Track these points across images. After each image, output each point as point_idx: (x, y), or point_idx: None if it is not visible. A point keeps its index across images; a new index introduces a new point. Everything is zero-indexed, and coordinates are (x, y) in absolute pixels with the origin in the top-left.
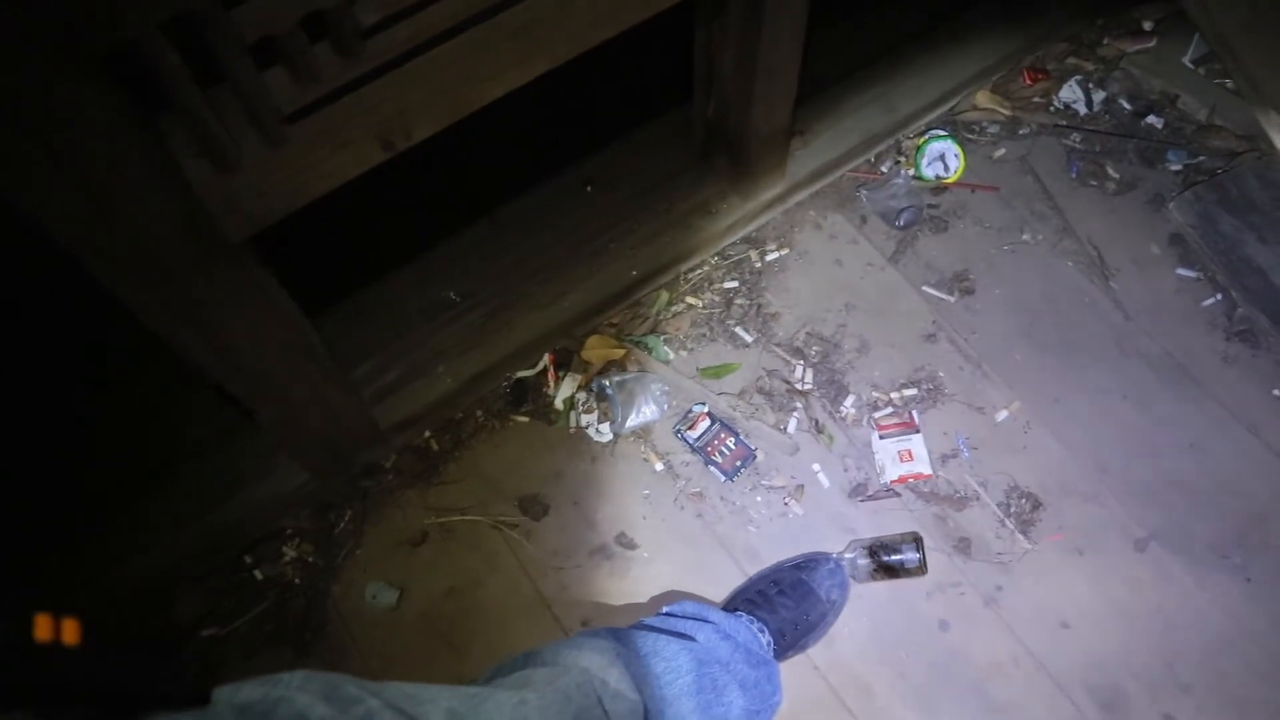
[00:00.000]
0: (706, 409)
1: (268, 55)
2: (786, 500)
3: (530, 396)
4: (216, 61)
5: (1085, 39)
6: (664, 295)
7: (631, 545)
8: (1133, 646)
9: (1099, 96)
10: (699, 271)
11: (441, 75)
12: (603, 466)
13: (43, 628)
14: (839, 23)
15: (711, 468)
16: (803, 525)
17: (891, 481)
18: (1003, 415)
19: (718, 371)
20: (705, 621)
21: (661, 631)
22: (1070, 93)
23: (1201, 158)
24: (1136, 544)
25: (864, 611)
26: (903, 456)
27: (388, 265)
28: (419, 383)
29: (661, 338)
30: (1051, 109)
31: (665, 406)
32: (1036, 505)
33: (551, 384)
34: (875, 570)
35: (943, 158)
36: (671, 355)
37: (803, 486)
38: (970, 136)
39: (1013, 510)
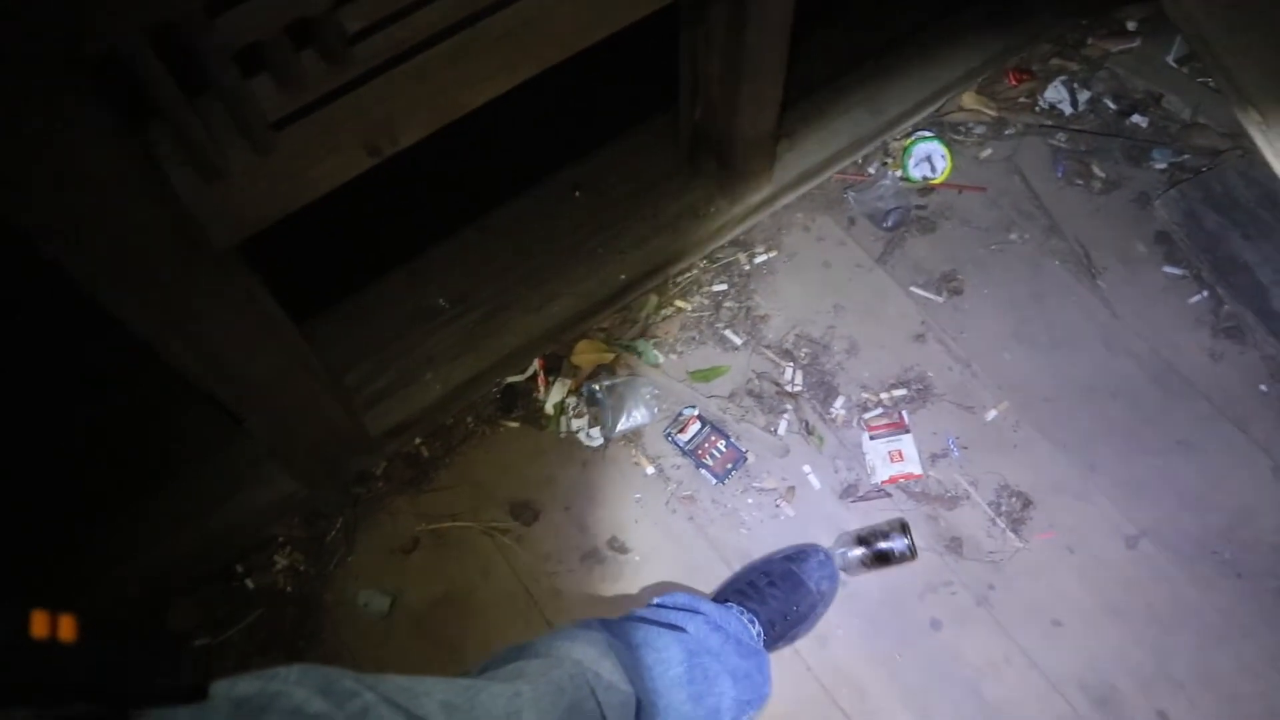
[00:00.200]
0: (697, 412)
1: (254, 62)
2: (778, 502)
3: (520, 402)
4: (202, 69)
5: (1069, 40)
6: (653, 299)
7: (623, 549)
8: (1125, 643)
9: (1084, 96)
10: (688, 275)
11: (427, 81)
12: (594, 471)
13: (39, 624)
14: (825, 26)
15: (702, 471)
16: (794, 527)
17: (882, 482)
18: (992, 414)
19: (707, 374)
20: (696, 613)
21: (653, 623)
22: (1055, 93)
23: (1186, 156)
24: (1127, 541)
25: (856, 612)
26: (893, 457)
27: (376, 271)
28: (409, 389)
29: (651, 341)
30: (1037, 109)
31: (655, 410)
32: (1027, 504)
33: (541, 389)
34: (868, 560)
35: (929, 159)
36: (661, 359)
37: (794, 488)
38: (957, 137)
39: (1003, 509)
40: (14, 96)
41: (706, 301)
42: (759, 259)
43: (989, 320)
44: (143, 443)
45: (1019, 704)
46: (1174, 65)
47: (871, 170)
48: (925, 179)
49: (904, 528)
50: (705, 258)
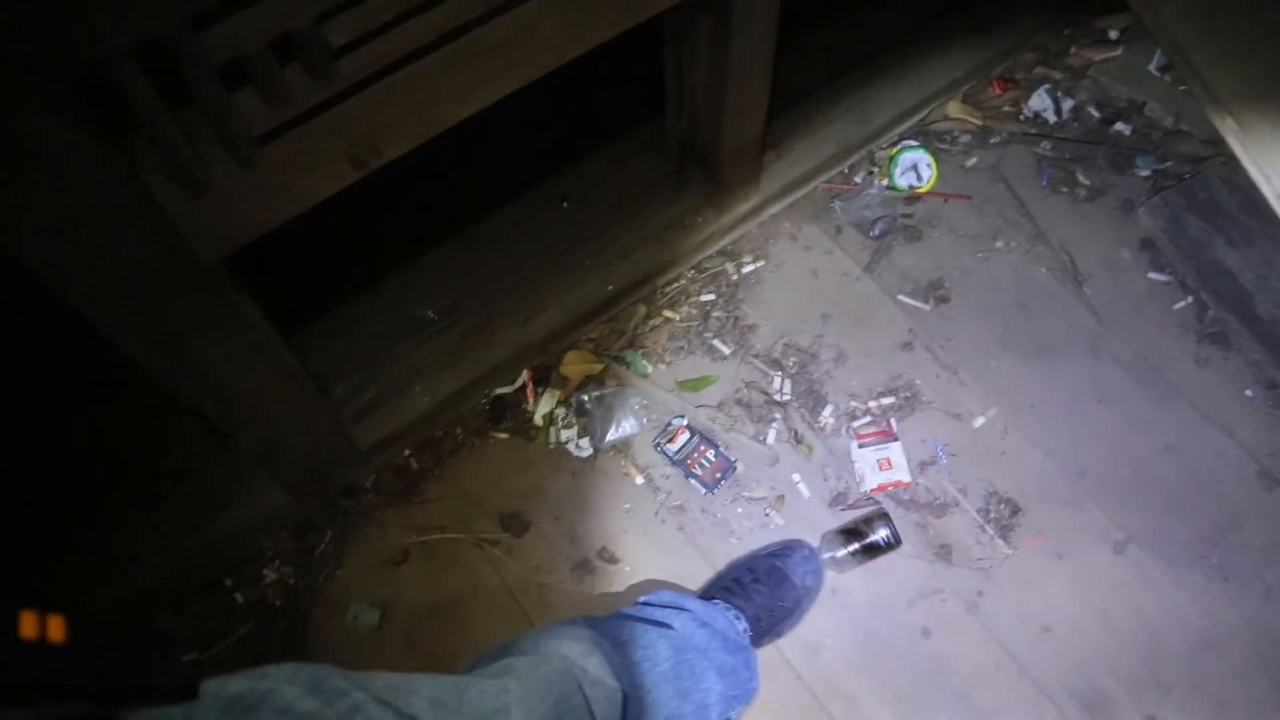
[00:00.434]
0: (686, 422)
1: (239, 76)
2: (767, 511)
3: (509, 413)
4: (187, 84)
5: (1053, 49)
6: (641, 309)
7: (613, 559)
8: (1114, 648)
9: (1068, 105)
10: (676, 285)
11: (411, 94)
12: (583, 481)
13: (28, 625)
14: (810, 36)
15: (692, 480)
16: (784, 535)
17: (871, 490)
18: (980, 421)
19: (696, 384)
20: (682, 610)
21: (639, 620)
22: (1040, 101)
23: (1169, 163)
24: (1115, 546)
25: (846, 620)
26: (882, 465)
27: (364, 283)
28: (397, 401)
29: (639, 352)
30: (1021, 118)
31: (644, 420)
32: (1016, 510)
33: (530, 400)
34: (858, 553)
35: (915, 167)
36: (650, 369)
37: (783, 497)
38: (942, 146)
39: (992, 516)
40: None
41: (695, 311)
42: (747, 269)
43: (976, 328)
44: (129, 457)
45: (1009, 710)
46: (1156, 73)
47: (858, 179)
48: (911, 188)
49: (884, 516)
50: (693, 268)
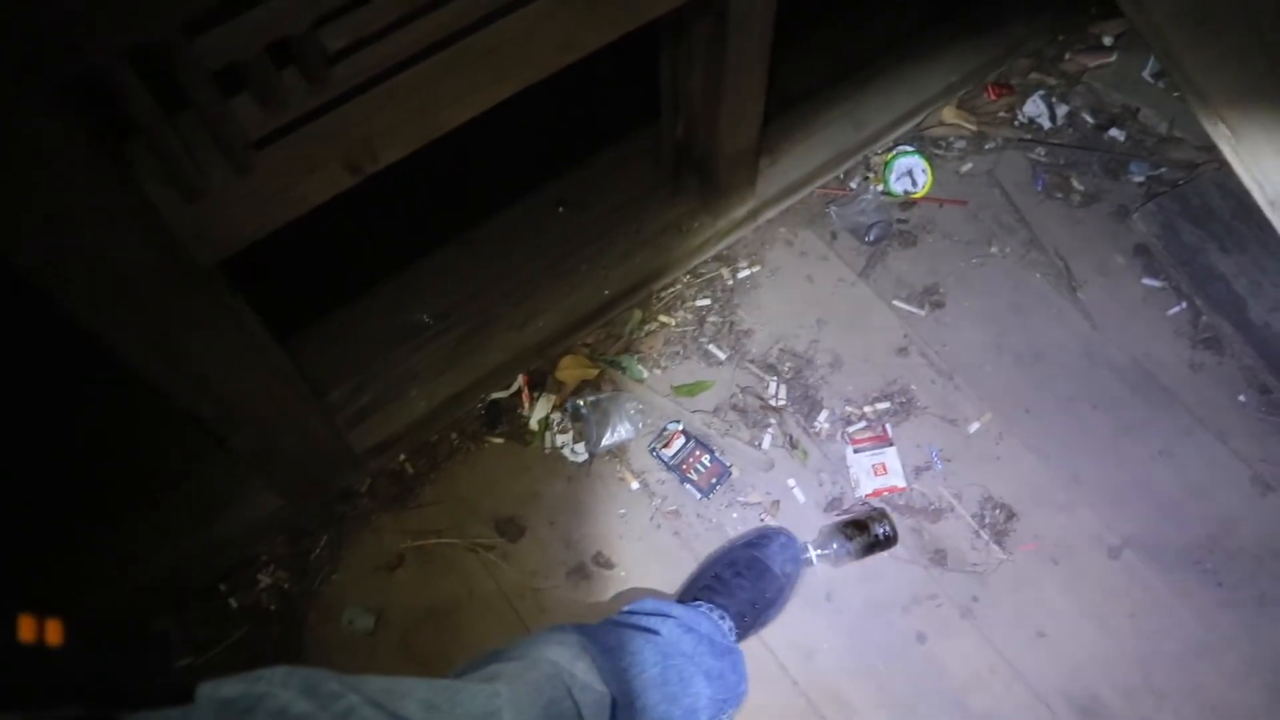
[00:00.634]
0: (681, 427)
1: (234, 81)
2: (762, 516)
3: (505, 418)
4: (182, 89)
5: (1047, 55)
6: (637, 314)
7: (609, 565)
8: (1109, 654)
9: (1062, 111)
10: (671, 290)
11: (408, 100)
12: (578, 486)
13: (26, 629)
14: (805, 42)
15: (687, 485)
16: None
17: (866, 495)
18: (975, 427)
19: (691, 389)
20: (667, 616)
21: (626, 626)
22: (1034, 107)
23: (1163, 169)
24: (1110, 551)
25: (841, 625)
26: (877, 470)
27: (360, 288)
28: (393, 406)
29: (635, 357)
30: (1016, 124)
31: (640, 425)
32: (1010, 515)
33: (526, 405)
34: (855, 547)
35: (910, 173)
36: (645, 374)
37: (778, 502)
38: (937, 152)
39: (987, 521)
40: None
41: (690, 316)
42: (742, 274)
43: (971, 333)
44: (125, 459)
45: (1004, 715)
46: (1150, 80)
47: (853, 185)
48: (906, 193)
49: (882, 513)
50: (689, 273)
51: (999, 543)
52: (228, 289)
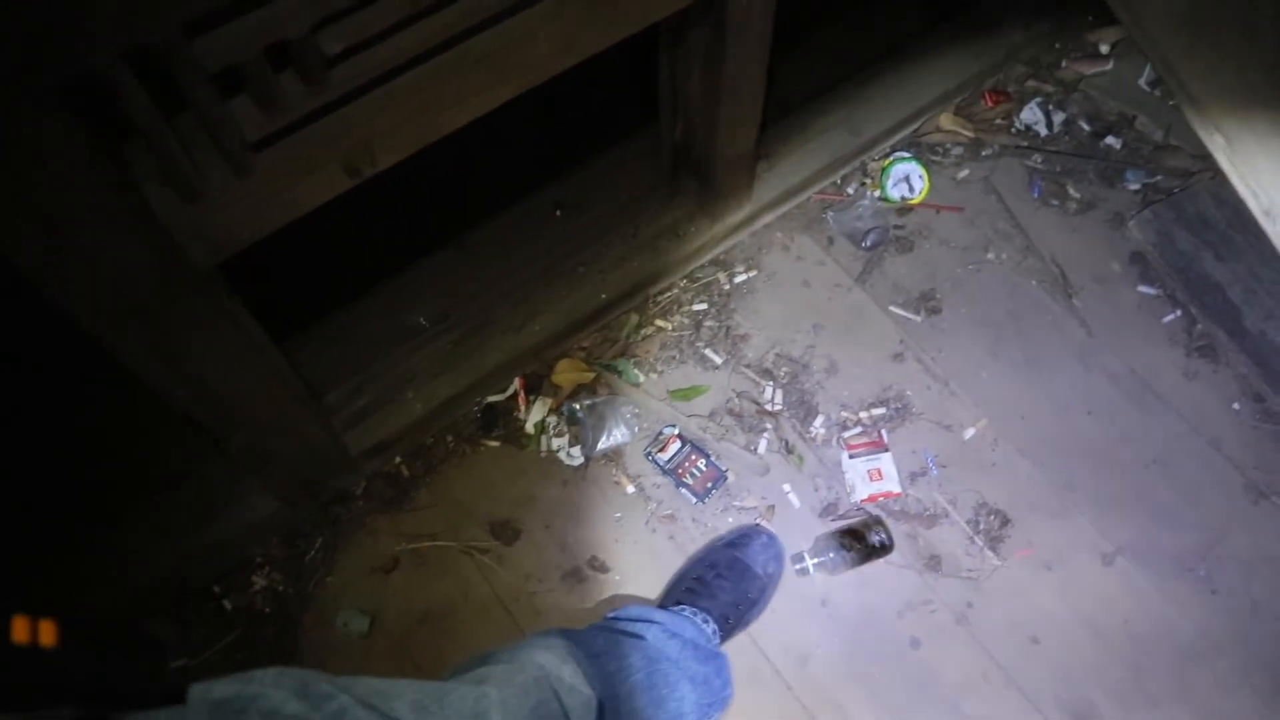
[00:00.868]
0: (677, 431)
1: (233, 83)
2: (758, 521)
3: (501, 421)
4: (181, 91)
5: (1044, 62)
6: (633, 318)
7: (604, 568)
8: (1102, 660)
9: (1059, 118)
10: (668, 294)
11: (406, 103)
12: (574, 490)
13: (20, 630)
14: (803, 47)
15: (683, 490)
16: None
17: (862, 500)
18: (970, 433)
19: (687, 394)
20: (652, 622)
21: (612, 631)
22: (1031, 114)
23: (1159, 177)
24: (1104, 558)
25: (836, 630)
26: (872, 475)
27: (357, 290)
28: (389, 408)
29: (631, 361)
30: (1013, 130)
31: (635, 429)
32: (1005, 521)
33: (522, 408)
34: (851, 556)
35: (907, 179)
36: (641, 378)
37: (774, 507)
38: (934, 158)
39: (982, 527)
40: None
41: (687, 321)
42: (739, 278)
43: (967, 339)
44: (120, 462)
45: None
46: (1146, 88)
47: (850, 190)
48: (903, 199)
49: (878, 521)
50: (685, 277)
51: (993, 549)
52: (226, 291)
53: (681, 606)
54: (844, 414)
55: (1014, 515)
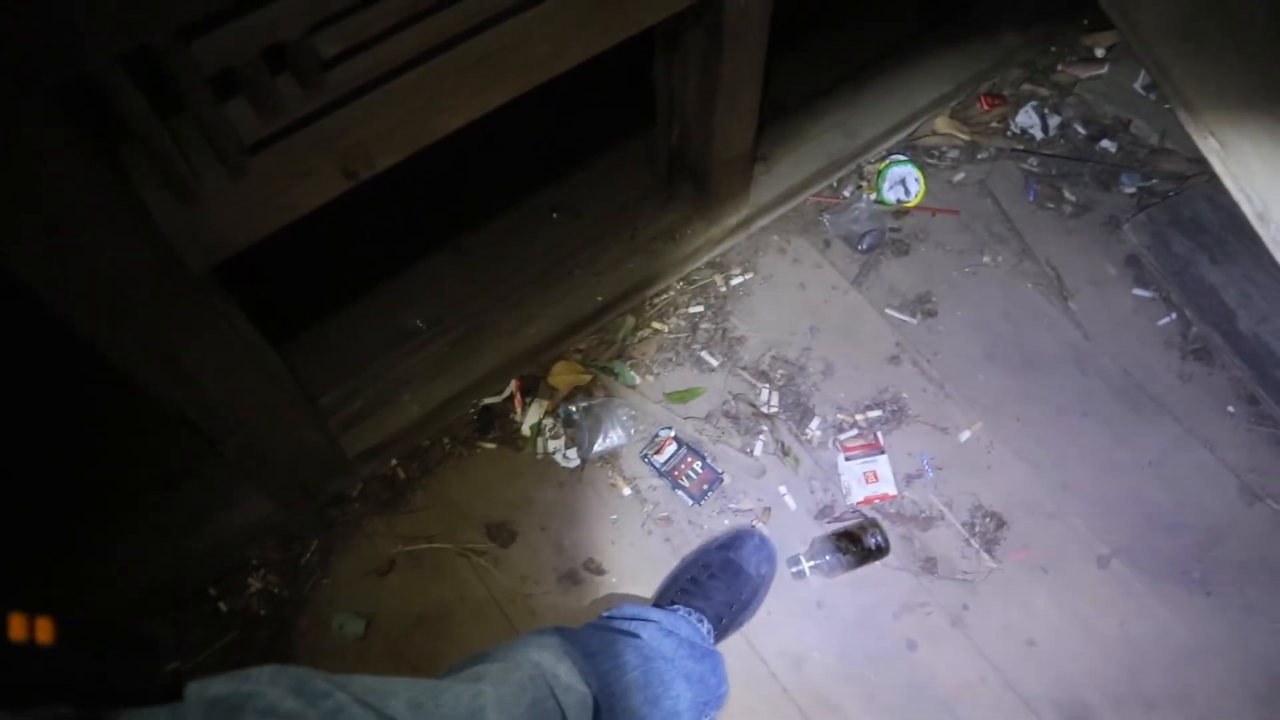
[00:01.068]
0: (673, 433)
1: (229, 86)
2: (754, 523)
3: (497, 423)
4: (177, 93)
5: (1040, 65)
6: (630, 321)
7: (600, 570)
8: (1098, 662)
9: (1054, 121)
10: (664, 297)
11: (402, 105)
12: (570, 492)
13: (17, 627)
14: (799, 50)
15: (679, 492)
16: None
17: (857, 503)
18: (966, 435)
19: (684, 396)
20: (647, 620)
21: (607, 630)
22: (1026, 118)
23: (1154, 180)
24: (1099, 560)
25: (832, 633)
26: (868, 478)
27: (354, 293)
28: (385, 411)
29: (628, 363)
30: (1009, 134)
31: (632, 431)
32: (1001, 524)
33: (518, 410)
34: (848, 558)
35: (903, 182)
36: (638, 380)
37: (770, 509)
38: (930, 161)
39: (977, 529)
40: None
41: (683, 323)
42: (735, 281)
43: (963, 342)
44: (118, 463)
45: None
46: (1141, 92)
47: (846, 193)
48: (899, 202)
49: (874, 523)
50: (682, 279)
51: (989, 551)
52: (221, 293)
53: (676, 607)
54: (840, 416)
55: (1010, 517)
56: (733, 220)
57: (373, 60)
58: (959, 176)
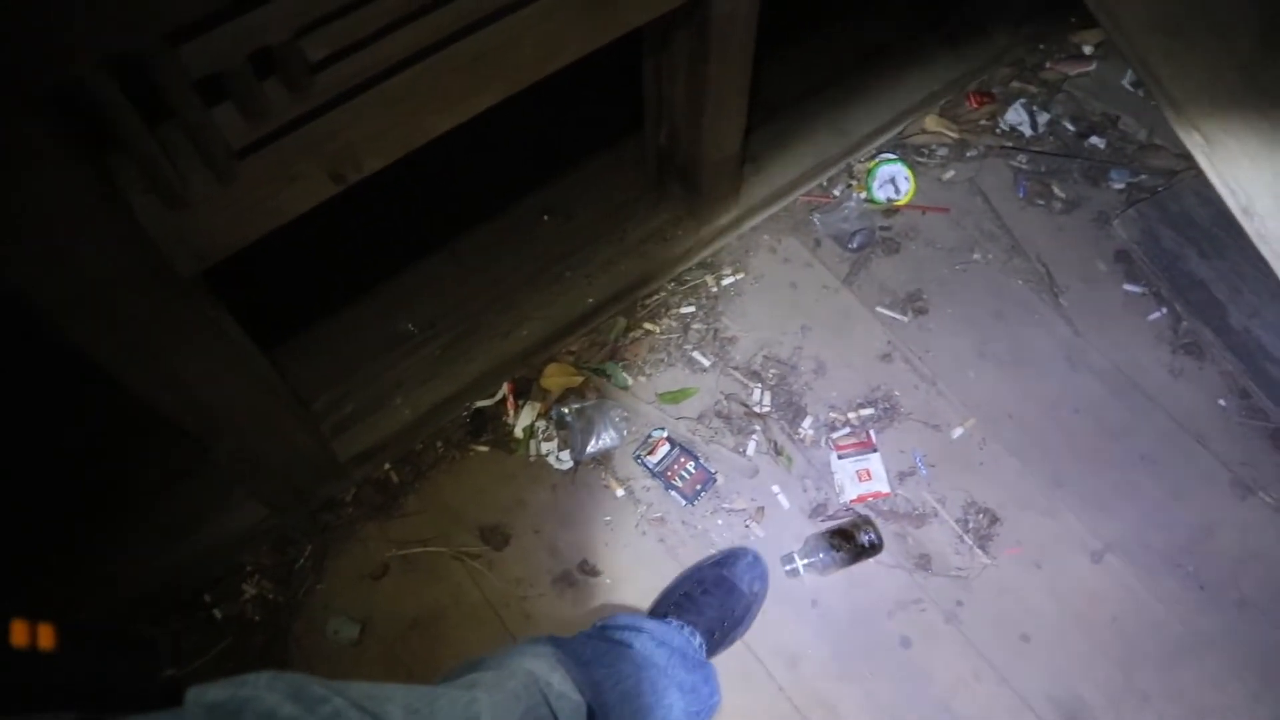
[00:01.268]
0: (666, 434)
1: (217, 91)
2: (747, 523)
3: (490, 426)
4: (165, 98)
5: (1028, 63)
6: (621, 322)
7: (594, 572)
8: (1092, 657)
9: (1043, 118)
10: (656, 297)
11: (390, 108)
12: (563, 494)
13: (19, 633)
14: (788, 50)
15: (672, 492)
16: (764, 547)
17: (851, 501)
18: (958, 432)
19: (676, 396)
20: (640, 630)
21: (600, 640)
22: (1015, 115)
23: (1143, 176)
24: (1093, 556)
25: (827, 631)
26: (861, 476)
27: (345, 297)
28: (378, 414)
29: (620, 364)
30: (998, 131)
31: (624, 432)
32: (994, 520)
33: (511, 413)
34: (841, 556)
35: (893, 180)
36: (630, 381)
37: (763, 508)
38: (920, 159)
39: (971, 526)
40: None
41: (674, 324)
42: (726, 281)
43: (954, 339)
44: (106, 473)
45: (988, 719)
46: (1130, 88)
47: (836, 192)
48: (889, 200)
49: (867, 521)
50: (673, 280)
51: (983, 547)
52: (210, 298)
53: (669, 619)
54: (832, 415)
55: (1003, 514)
56: (723, 221)
57: (360, 63)
58: (949, 174)
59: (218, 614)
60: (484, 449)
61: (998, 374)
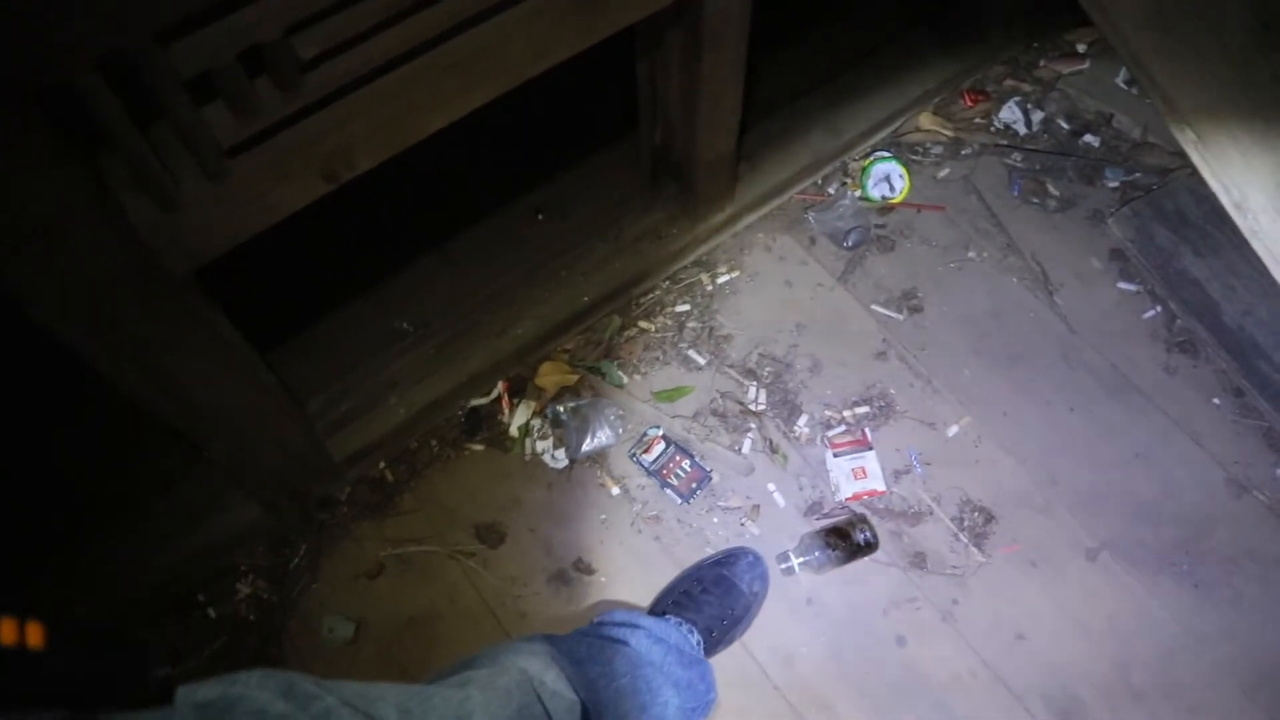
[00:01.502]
0: (661, 432)
1: (207, 89)
2: (743, 521)
3: (485, 425)
4: (155, 97)
5: (1022, 61)
6: (616, 320)
7: (589, 570)
8: (1087, 655)
9: (1037, 117)
10: (651, 296)
11: (383, 107)
12: (559, 493)
13: (8, 631)
14: (783, 49)
15: (668, 490)
16: (760, 545)
17: (846, 499)
18: (954, 430)
19: (671, 395)
20: (636, 627)
21: (595, 637)
22: (1010, 113)
23: (1137, 174)
24: (1088, 554)
25: (822, 629)
26: (857, 474)
27: (340, 297)
28: (372, 414)
29: (615, 362)
30: (992, 129)
31: (620, 431)
32: (989, 518)
33: (506, 412)
34: (837, 554)
35: (888, 179)
36: (625, 379)
37: (759, 507)
38: (914, 157)
39: (966, 524)
40: None
41: (670, 322)
42: (721, 279)
43: (949, 337)
44: (101, 473)
45: (984, 717)
46: (1124, 86)
47: (831, 190)
48: (884, 198)
49: (863, 519)
50: (668, 278)
51: (978, 545)
52: (203, 298)
53: (667, 616)
54: (828, 413)
55: (998, 512)
56: (718, 219)
57: (352, 62)
58: (943, 172)
59: (212, 613)
60: (479, 448)
61: (993, 372)
